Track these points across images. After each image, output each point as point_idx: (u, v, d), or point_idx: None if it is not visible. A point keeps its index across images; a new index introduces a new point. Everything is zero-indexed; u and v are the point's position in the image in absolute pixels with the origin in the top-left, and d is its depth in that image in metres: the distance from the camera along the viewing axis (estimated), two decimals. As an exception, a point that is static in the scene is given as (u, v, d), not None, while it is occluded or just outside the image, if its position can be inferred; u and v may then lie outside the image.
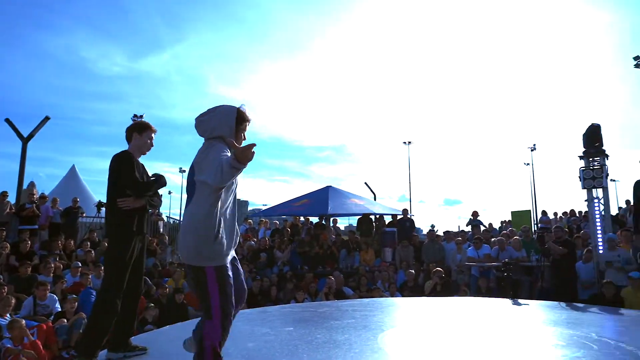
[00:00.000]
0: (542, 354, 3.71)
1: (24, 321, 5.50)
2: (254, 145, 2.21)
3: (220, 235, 2.51)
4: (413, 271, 9.77)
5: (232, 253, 2.73)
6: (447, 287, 8.60)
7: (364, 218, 13.03)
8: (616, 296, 6.86)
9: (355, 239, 12.56)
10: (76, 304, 6.48)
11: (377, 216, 13.38)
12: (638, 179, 5.29)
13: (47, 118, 13.08)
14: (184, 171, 48.46)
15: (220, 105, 2.70)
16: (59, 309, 6.56)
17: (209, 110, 2.69)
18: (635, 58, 24.34)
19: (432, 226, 15.04)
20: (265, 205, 33.46)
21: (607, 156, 7.86)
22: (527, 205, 37.85)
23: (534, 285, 8.86)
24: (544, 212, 15.90)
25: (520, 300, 6.80)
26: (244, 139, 2.72)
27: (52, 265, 7.95)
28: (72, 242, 10.21)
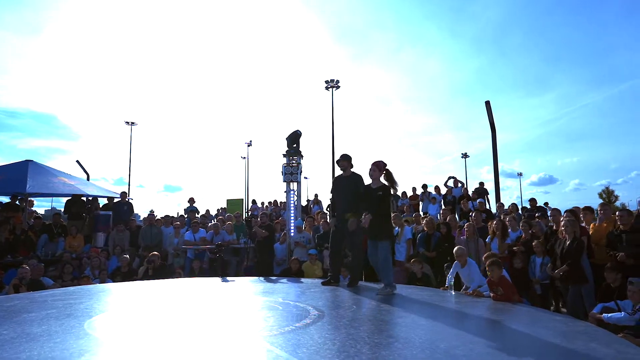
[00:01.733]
0: (241, 320, 4.39)
1: None
2: None
3: None
4: (128, 256, 9.44)
5: None
6: (162, 271, 8.72)
7: (74, 200, 11.61)
8: (299, 269, 8.58)
9: (61, 223, 11.07)
10: None
11: (91, 198, 12.14)
12: (337, 175, 6.84)
13: None
14: None
15: None
16: None
17: None
18: (326, 82, 30.65)
19: (152, 211, 14.77)
20: None
21: (302, 156, 9.74)
22: (242, 194, 41.77)
23: (241, 264, 10.04)
24: (253, 201, 18.01)
25: (228, 278, 7.62)
26: None
27: None
28: None
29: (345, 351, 3.00)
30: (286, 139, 9.87)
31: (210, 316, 4.55)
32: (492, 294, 5.42)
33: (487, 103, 12.13)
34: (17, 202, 11.36)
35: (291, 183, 9.82)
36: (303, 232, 9.77)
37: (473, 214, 9.13)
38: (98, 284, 7.73)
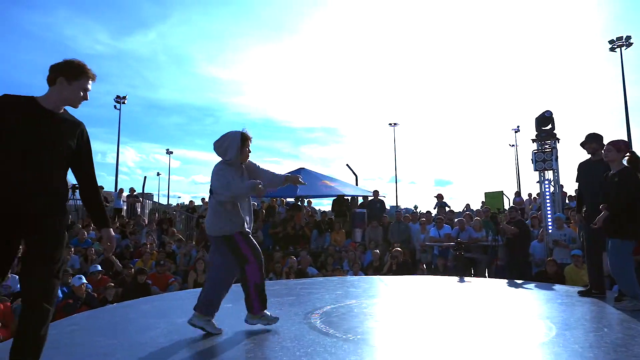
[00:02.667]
0: (448, 330, 3.98)
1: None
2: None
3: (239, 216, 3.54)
4: (378, 251, 10.04)
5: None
6: (405, 266, 8.88)
7: (338, 199, 13.26)
8: (558, 273, 7.17)
9: (329, 220, 12.81)
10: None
11: (352, 197, 13.63)
12: (581, 161, 5.54)
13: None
14: (171, 152, 50.90)
15: (230, 132, 3.58)
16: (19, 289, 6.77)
17: (222, 136, 3.56)
18: (610, 41, 24.56)
19: (415, 207, 15.35)
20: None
21: (557, 140, 8.09)
22: (512, 185, 38.46)
23: (492, 264, 9.17)
24: (517, 193, 16.20)
25: (466, 279, 7.08)
26: (250, 151, 3.63)
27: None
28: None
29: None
30: (535, 120, 8.47)
31: (418, 319, 4.31)
32: None
33: None
34: (298, 203, 13.84)
35: (545, 172, 8.35)
36: (565, 229, 8.13)
37: None
38: (349, 276, 8.53)
